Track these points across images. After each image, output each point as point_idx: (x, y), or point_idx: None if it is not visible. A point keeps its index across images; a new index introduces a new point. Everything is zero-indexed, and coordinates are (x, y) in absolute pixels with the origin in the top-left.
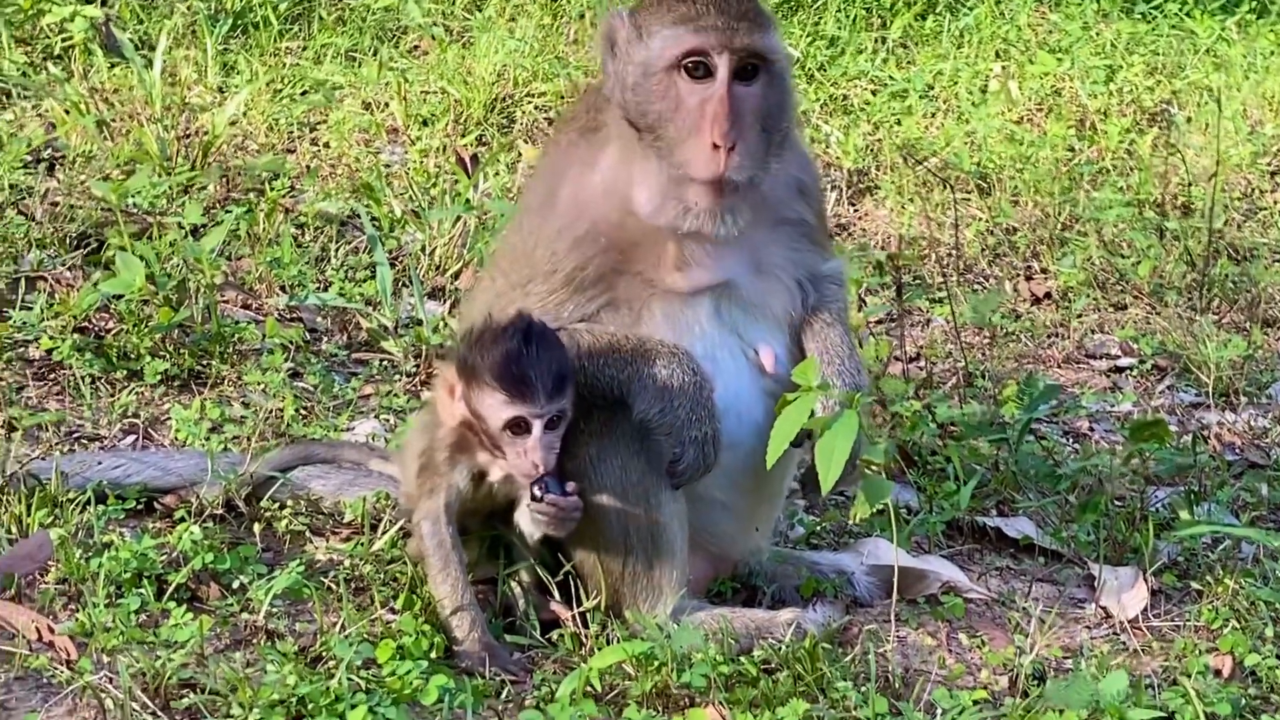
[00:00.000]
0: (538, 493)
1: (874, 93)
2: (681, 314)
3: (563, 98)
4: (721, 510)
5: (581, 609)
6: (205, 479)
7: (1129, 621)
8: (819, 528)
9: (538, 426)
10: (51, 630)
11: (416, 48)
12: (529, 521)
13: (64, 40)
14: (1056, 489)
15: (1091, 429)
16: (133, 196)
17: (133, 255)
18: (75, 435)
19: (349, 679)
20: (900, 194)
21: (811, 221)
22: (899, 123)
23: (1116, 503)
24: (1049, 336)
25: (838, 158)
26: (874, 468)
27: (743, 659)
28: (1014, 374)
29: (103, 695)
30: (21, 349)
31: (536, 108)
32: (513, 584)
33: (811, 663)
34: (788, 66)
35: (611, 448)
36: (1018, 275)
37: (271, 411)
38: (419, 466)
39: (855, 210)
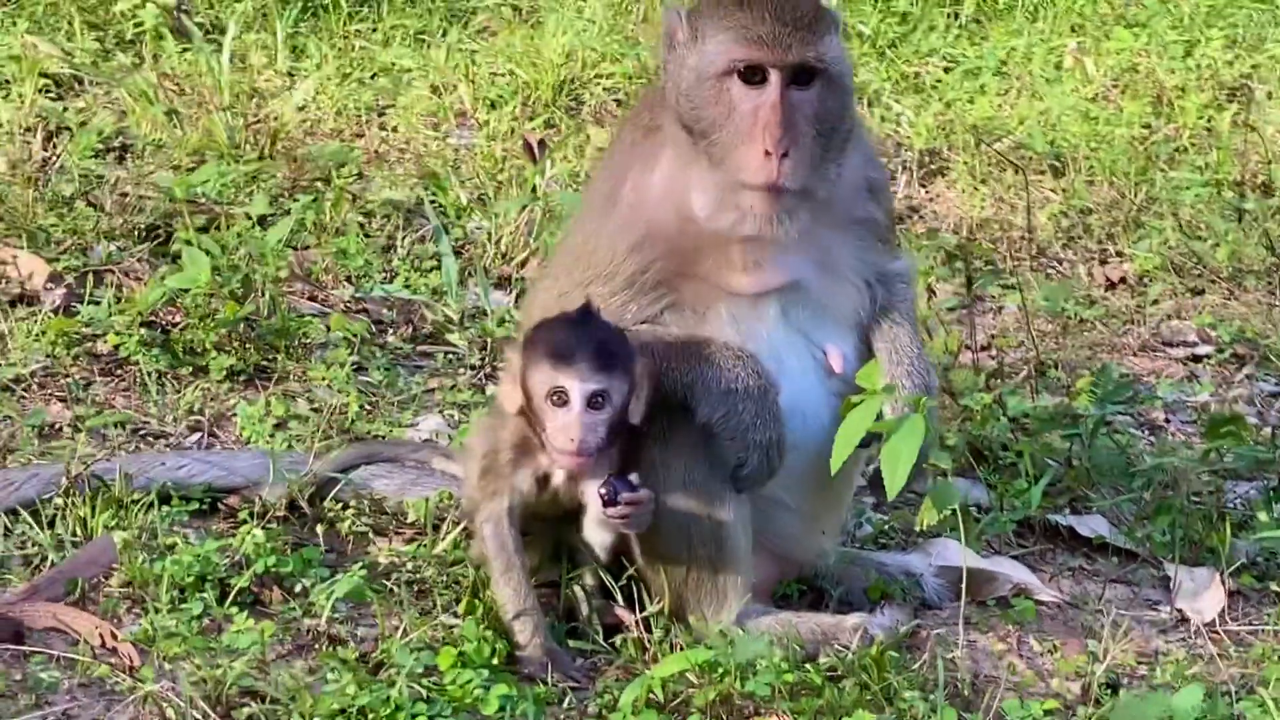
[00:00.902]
0: (605, 495)
1: (946, 70)
2: (747, 316)
3: (631, 79)
4: (786, 512)
5: (645, 614)
6: (268, 479)
7: (1205, 625)
8: (887, 526)
9: (577, 398)
10: (115, 636)
11: (486, 28)
12: (598, 529)
13: (136, 27)
14: (1130, 486)
15: (1168, 420)
16: (199, 186)
17: (198, 249)
18: (141, 433)
19: (409, 687)
20: (972, 176)
21: (881, 220)
22: (971, 101)
23: (1193, 499)
24: (1124, 323)
25: (909, 138)
26: (941, 472)
27: (808, 666)
28: (1088, 364)
29: (164, 704)
30: (90, 344)
31: (605, 89)
32: (577, 588)
33: (878, 670)
34: (847, 70)
35: (675, 451)
36: (1092, 259)
37: (335, 408)
38: (482, 469)
39: (926, 192)
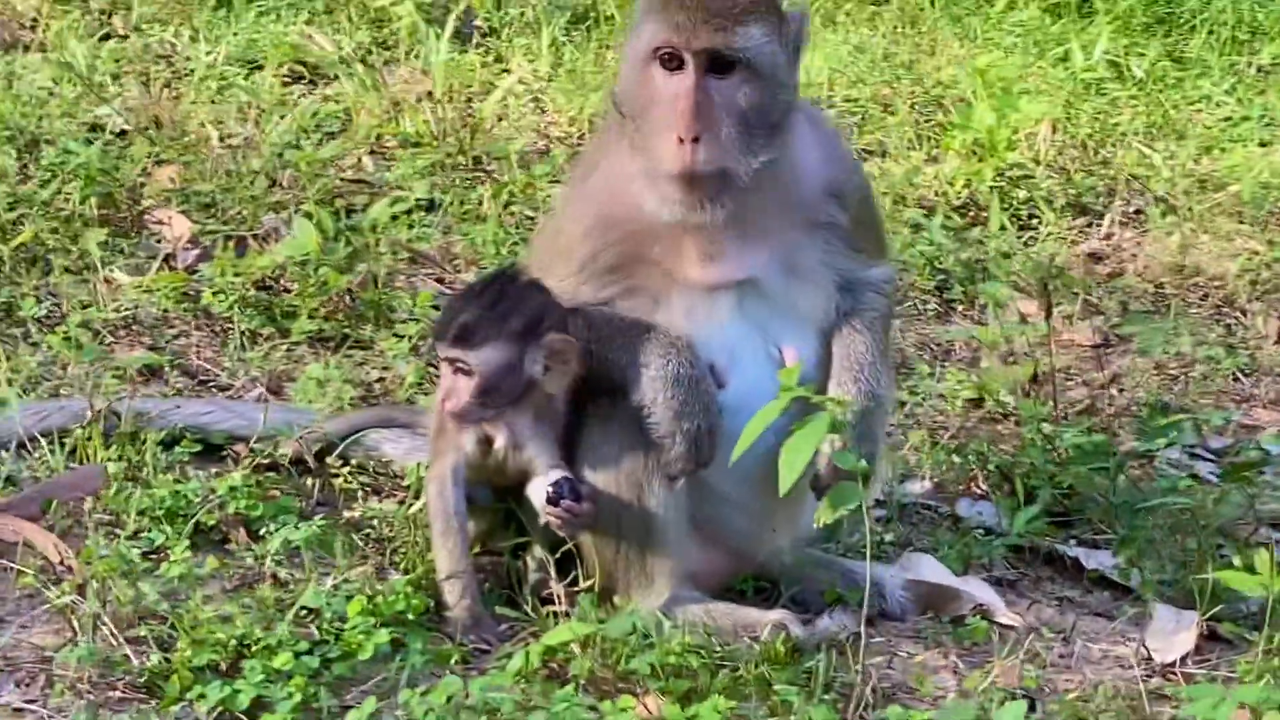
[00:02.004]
0: (552, 493)
1: (1227, 119)
2: (702, 307)
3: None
4: (737, 508)
5: (576, 590)
6: (289, 433)
7: (1164, 665)
8: (880, 538)
9: (445, 366)
10: (66, 555)
11: None
12: (540, 500)
13: (410, 29)
14: (1135, 524)
15: (1261, 472)
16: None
17: (307, 220)
18: (210, 383)
19: (299, 627)
20: (1187, 218)
21: (845, 225)
22: (1222, 150)
23: (1210, 541)
24: (1266, 375)
25: (1146, 179)
26: (852, 476)
27: (687, 654)
28: (1192, 408)
29: (72, 616)
30: (196, 300)
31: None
32: (528, 558)
33: (782, 666)
34: (777, 61)
35: (612, 434)
36: (1271, 313)
37: (390, 377)
38: (434, 429)
39: (1135, 232)
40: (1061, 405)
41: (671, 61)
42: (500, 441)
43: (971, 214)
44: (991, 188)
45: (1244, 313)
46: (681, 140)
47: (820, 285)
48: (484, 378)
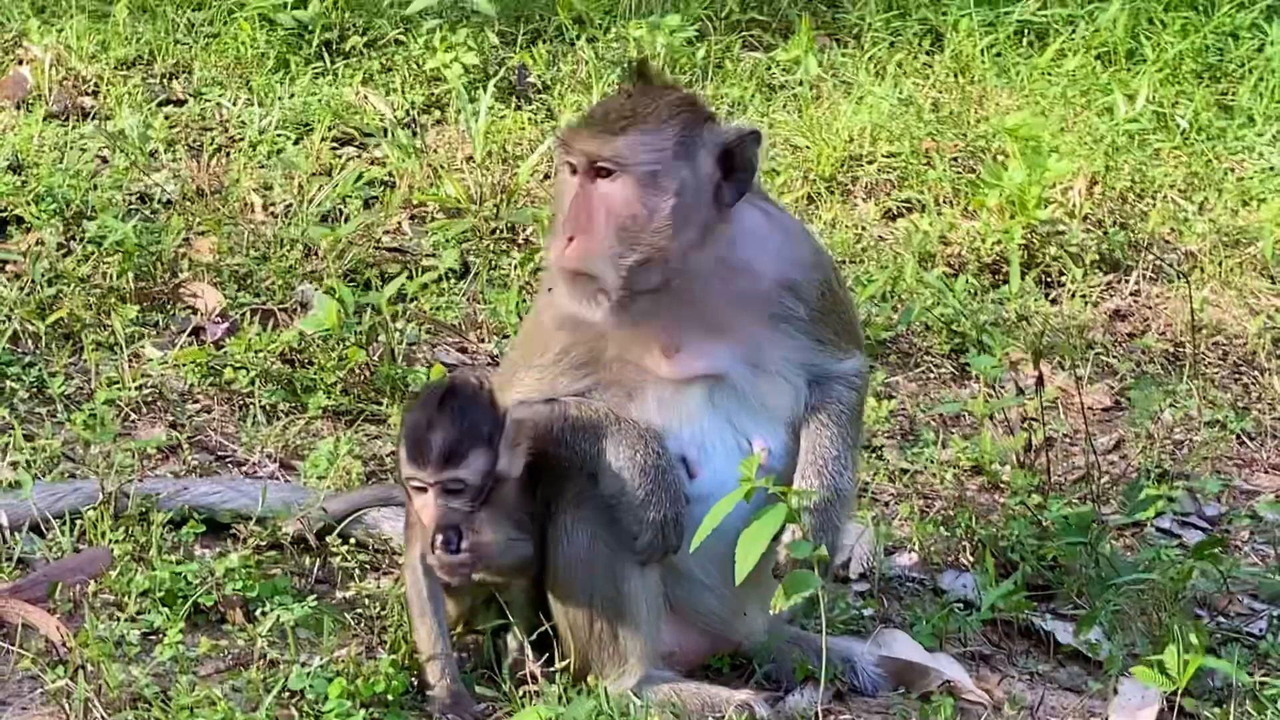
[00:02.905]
0: (437, 541)
1: (1270, 168)
2: (673, 401)
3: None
4: (709, 593)
5: (551, 670)
6: (293, 511)
7: None
8: (860, 613)
9: (431, 491)
10: (67, 639)
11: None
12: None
13: (467, 88)
14: (1114, 597)
15: (1251, 538)
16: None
17: (328, 295)
18: (227, 459)
19: (282, 710)
20: (1213, 275)
21: (806, 319)
22: (1262, 202)
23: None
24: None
25: (1179, 234)
26: (807, 564)
27: None
28: (1193, 475)
29: (63, 701)
30: (219, 375)
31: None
32: (509, 638)
33: None
34: (671, 171)
35: (585, 518)
36: None
37: (393, 453)
38: (406, 519)
39: (1160, 284)
40: (1061, 472)
41: (573, 168)
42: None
43: (1002, 272)
44: (1021, 246)
45: (1262, 372)
46: (562, 238)
47: (787, 379)
48: (475, 488)
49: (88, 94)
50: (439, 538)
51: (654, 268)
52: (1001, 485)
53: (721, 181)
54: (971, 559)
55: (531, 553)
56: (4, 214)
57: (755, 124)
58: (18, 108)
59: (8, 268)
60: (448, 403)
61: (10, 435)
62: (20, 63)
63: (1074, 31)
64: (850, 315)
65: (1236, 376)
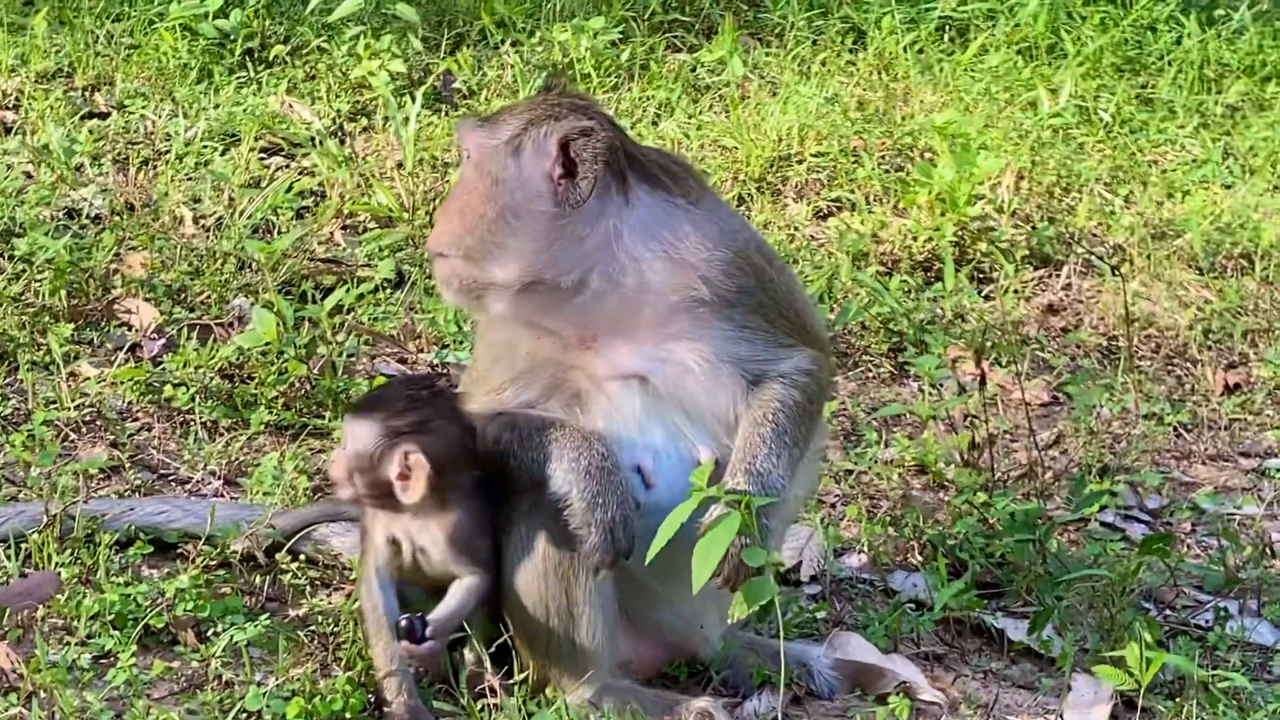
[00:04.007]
0: (400, 628)
1: (1192, 160)
2: (613, 405)
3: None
4: (664, 603)
5: (510, 683)
6: (241, 529)
7: None
8: (812, 616)
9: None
10: (25, 664)
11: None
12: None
13: (396, 96)
14: (1064, 594)
15: (1193, 531)
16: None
17: (266, 310)
18: (170, 478)
19: None
20: (1142, 268)
21: (725, 312)
22: (1186, 194)
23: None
24: (1208, 430)
25: (1104, 228)
26: (758, 571)
27: None
28: (1134, 468)
29: None
30: (159, 392)
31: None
32: (465, 651)
33: None
34: (489, 164)
35: (537, 529)
36: (1220, 363)
37: None
38: (361, 531)
39: (1090, 285)
40: (1004, 469)
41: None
42: (406, 545)
43: (935, 269)
44: (953, 243)
45: (1194, 363)
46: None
47: (722, 379)
48: (348, 454)
49: (8, 108)
50: (403, 626)
51: (496, 258)
52: (946, 484)
53: (564, 179)
54: (921, 558)
55: (488, 587)
56: None
57: (588, 123)
58: None
59: None
60: (422, 381)
61: None
62: None
63: (995, 27)
64: (793, 308)
65: (1170, 369)
